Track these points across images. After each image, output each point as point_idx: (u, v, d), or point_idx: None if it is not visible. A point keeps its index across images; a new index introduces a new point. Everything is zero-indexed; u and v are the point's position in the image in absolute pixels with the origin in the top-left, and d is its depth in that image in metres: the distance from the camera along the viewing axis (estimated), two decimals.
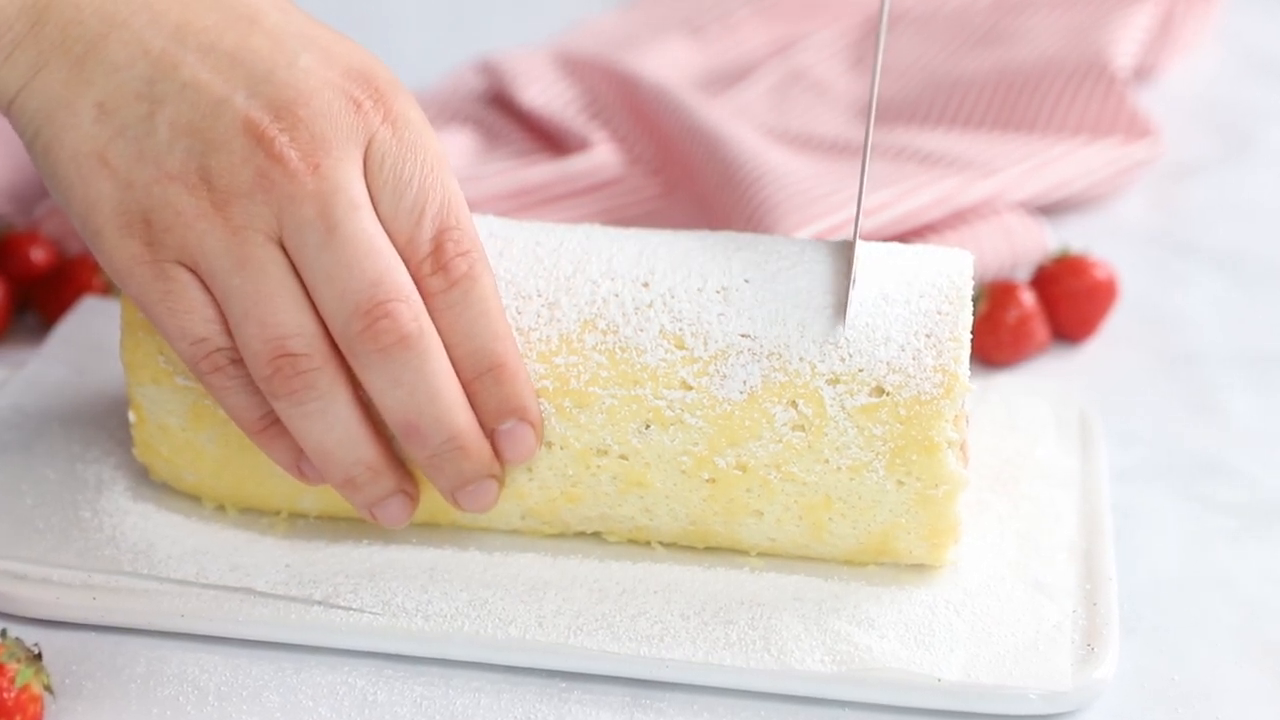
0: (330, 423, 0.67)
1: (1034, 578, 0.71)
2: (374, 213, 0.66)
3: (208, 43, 0.67)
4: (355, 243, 0.65)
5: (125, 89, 0.66)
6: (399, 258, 0.66)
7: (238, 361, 0.67)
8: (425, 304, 0.67)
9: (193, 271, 0.66)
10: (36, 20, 0.66)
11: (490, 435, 0.69)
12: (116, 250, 0.66)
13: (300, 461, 0.70)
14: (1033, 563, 0.72)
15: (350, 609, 0.69)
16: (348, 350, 0.66)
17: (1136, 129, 1.05)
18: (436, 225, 0.67)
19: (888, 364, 0.68)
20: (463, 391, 0.68)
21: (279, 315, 0.65)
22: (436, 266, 0.67)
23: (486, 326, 0.68)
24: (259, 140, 0.65)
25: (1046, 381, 0.84)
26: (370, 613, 0.69)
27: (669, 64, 1.13)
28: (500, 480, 0.70)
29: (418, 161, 0.67)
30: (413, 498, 0.71)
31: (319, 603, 0.69)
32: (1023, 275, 0.95)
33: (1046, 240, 0.96)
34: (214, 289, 0.66)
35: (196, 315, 0.66)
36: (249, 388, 0.68)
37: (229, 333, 0.67)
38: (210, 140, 0.65)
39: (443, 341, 0.67)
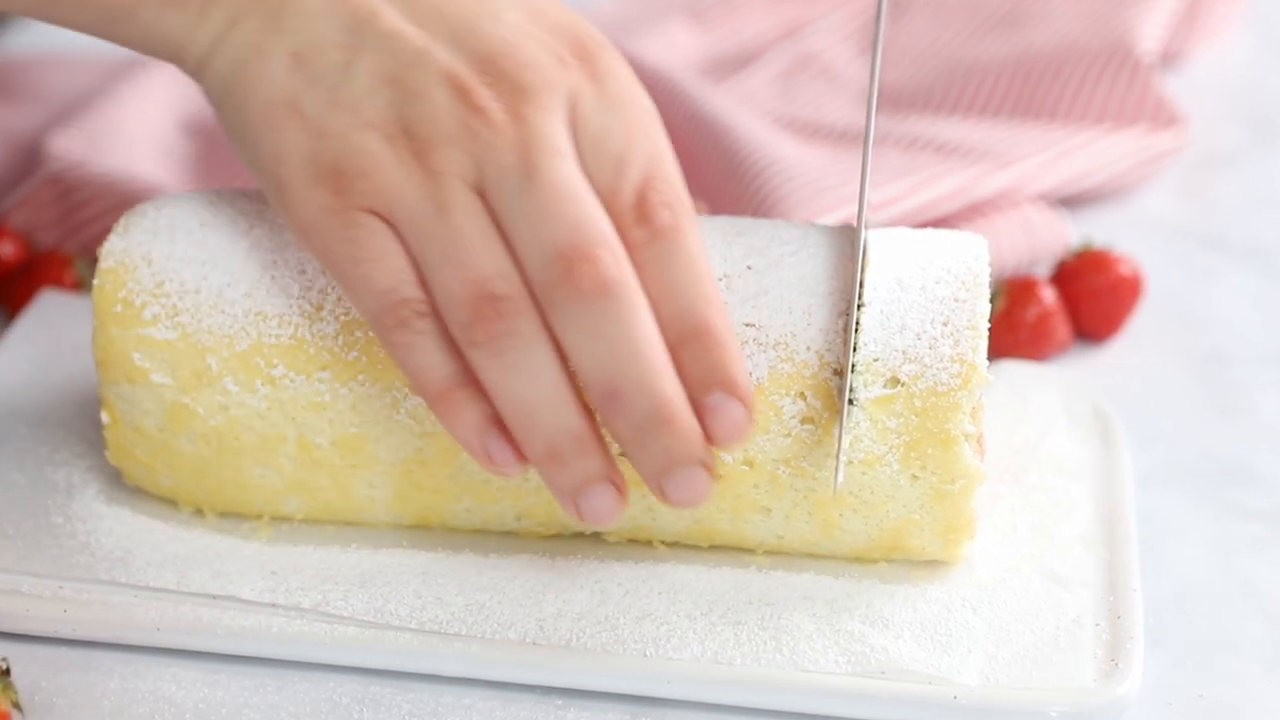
0: (534, 375, 0.65)
1: (1050, 569, 0.72)
2: (577, 162, 0.66)
3: None
4: (555, 187, 0.65)
5: (323, 38, 0.67)
6: (601, 207, 0.65)
7: (425, 315, 0.66)
8: (629, 258, 0.65)
9: (385, 221, 0.66)
10: None
11: (696, 410, 0.65)
12: (304, 201, 0.66)
13: (487, 435, 0.66)
14: (1048, 554, 0.73)
15: (341, 617, 0.69)
16: (545, 299, 0.64)
17: (1162, 117, 1.04)
18: (641, 176, 0.66)
19: (903, 353, 0.68)
20: (669, 357, 0.65)
21: (480, 257, 0.65)
22: (640, 217, 0.65)
23: (693, 284, 0.65)
24: (460, 93, 0.65)
25: (1057, 370, 0.84)
26: (362, 620, 0.69)
27: (670, 49, 1.13)
28: (711, 470, 0.66)
29: (624, 115, 0.67)
30: (622, 492, 0.67)
31: (308, 611, 0.69)
32: (1043, 271, 0.95)
33: (1068, 234, 0.96)
34: (409, 236, 0.66)
35: (384, 265, 0.66)
36: (437, 343, 0.66)
37: (420, 285, 0.66)
38: (410, 90, 0.66)
39: (646, 300, 0.65)
